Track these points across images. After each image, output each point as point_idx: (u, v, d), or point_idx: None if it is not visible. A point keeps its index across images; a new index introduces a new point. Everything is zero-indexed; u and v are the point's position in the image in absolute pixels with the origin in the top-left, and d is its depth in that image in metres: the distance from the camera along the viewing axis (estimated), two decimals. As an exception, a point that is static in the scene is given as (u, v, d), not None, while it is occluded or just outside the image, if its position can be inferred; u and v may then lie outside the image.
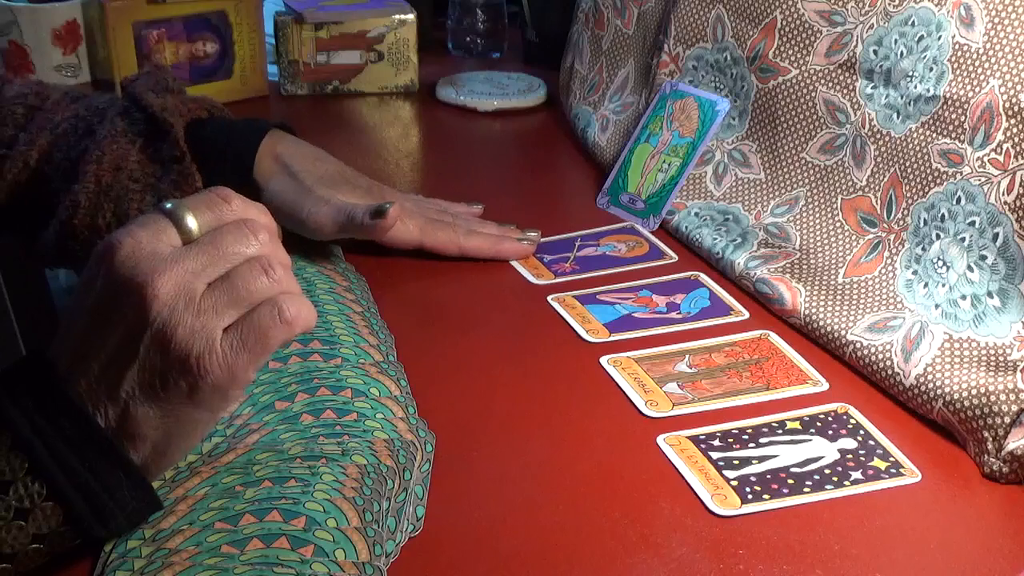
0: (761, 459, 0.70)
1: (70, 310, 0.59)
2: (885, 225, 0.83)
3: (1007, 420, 0.69)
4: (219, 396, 0.57)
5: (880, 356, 0.77)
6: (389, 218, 0.88)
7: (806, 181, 0.91)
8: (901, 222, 0.82)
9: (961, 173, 0.77)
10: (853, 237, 0.85)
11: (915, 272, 0.79)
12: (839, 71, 0.89)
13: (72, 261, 0.87)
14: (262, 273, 0.58)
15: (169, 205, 0.58)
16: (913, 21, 0.83)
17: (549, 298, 0.89)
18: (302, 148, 0.92)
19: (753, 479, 0.68)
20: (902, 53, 0.83)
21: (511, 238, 0.95)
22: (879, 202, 0.84)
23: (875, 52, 0.86)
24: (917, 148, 0.81)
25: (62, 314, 0.60)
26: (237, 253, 0.58)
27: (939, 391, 0.72)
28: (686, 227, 0.97)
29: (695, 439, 0.72)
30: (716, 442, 0.72)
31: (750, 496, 0.67)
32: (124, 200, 0.84)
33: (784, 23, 0.93)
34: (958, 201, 0.77)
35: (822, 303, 0.83)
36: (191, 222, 0.58)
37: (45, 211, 0.86)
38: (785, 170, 0.93)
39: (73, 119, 0.88)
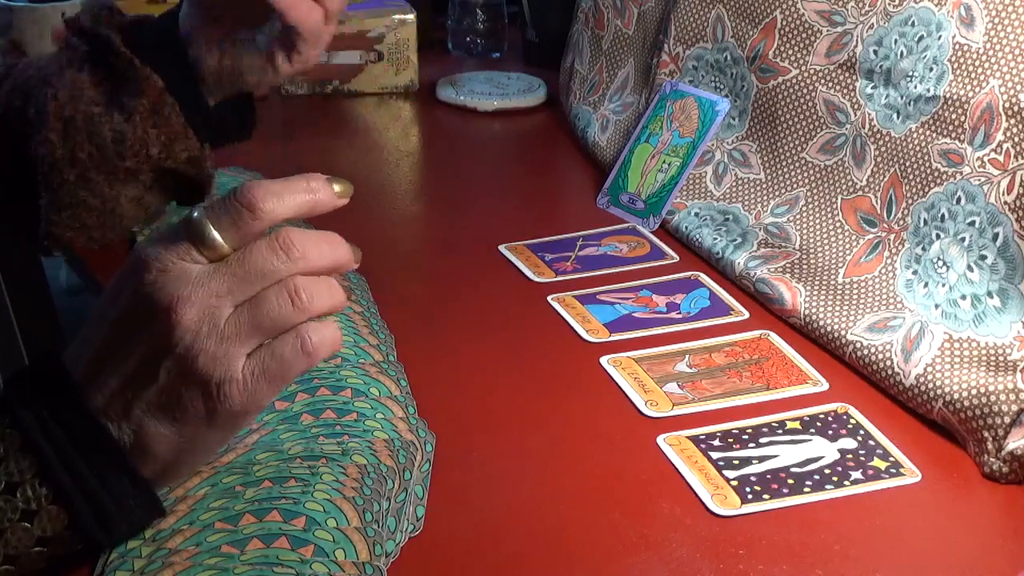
0: (761, 459, 0.70)
1: (93, 317, 0.58)
2: (885, 225, 0.83)
3: (1007, 420, 0.69)
4: (235, 421, 0.57)
5: (880, 356, 0.77)
6: None
7: (806, 181, 0.91)
8: (901, 222, 0.82)
9: (961, 173, 0.77)
10: (853, 237, 0.85)
11: (915, 272, 0.79)
12: (839, 71, 0.89)
13: (70, 211, 0.82)
14: (288, 300, 0.56)
15: (196, 214, 0.56)
16: (913, 21, 0.83)
17: (549, 298, 0.89)
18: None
19: (753, 479, 0.68)
20: (902, 53, 0.83)
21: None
22: (879, 202, 0.84)
23: (875, 52, 0.86)
24: (917, 148, 0.81)
25: (63, 316, 0.59)
26: (266, 274, 0.56)
27: (939, 391, 0.72)
28: (686, 227, 0.97)
29: (695, 439, 0.72)
30: (716, 442, 0.72)
31: (750, 496, 0.67)
32: (94, 125, 0.80)
33: (784, 23, 0.93)
34: (958, 201, 0.77)
35: (822, 303, 0.83)
36: (216, 236, 0.56)
37: (18, 169, 0.83)
38: (785, 170, 0.93)
39: (38, 70, 0.84)
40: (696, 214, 0.97)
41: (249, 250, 0.56)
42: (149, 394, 0.56)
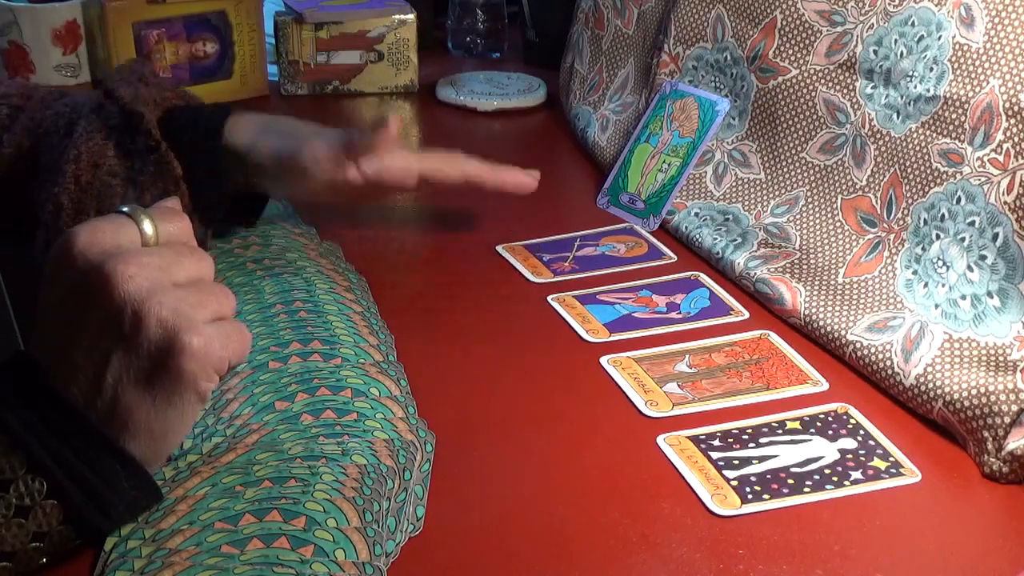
0: (761, 459, 0.70)
1: (40, 305, 0.59)
2: (885, 225, 0.83)
3: (1007, 420, 0.69)
4: (204, 373, 0.57)
5: (880, 356, 0.77)
6: (392, 125, 0.86)
7: (806, 181, 0.91)
8: (901, 222, 0.82)
9: (961, 173, 0.77)
10: (853, 237, 0.85)
11: (915, 272, 0.79)
12: (839, 71, 0.89)
13: None
14: (211, 294, 0.59)
15: (126, 209, 0.59)
16: (913, 21, 0.83)
17: (549, 298, 0.89)
18: (274, 114, 0.92)
19: (753, 479, 0.68)
20: (902, 53, 0.83)
21: (511, 168, 0.95)
22: (879, 202, 0.84)
23: (875, 52, 0.86)
24: (917, 148, 0.81)
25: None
26: (191, 269, 0.59)
27: (939, 391, 0.72)
28: (686, 227, 0.97)
29: (695, 439, 0.72)
30: (716, 442, 0.72)
31: (750, 496, 0.67)
32: (106, 196, 0.83)
33: (784, 23, 0.93)
34: (958, 201, 0.77)
35: (822, 303, 0.83)
36: (148, 227, 0.59)
37: (32, 215, 0.85)
38: (785, 170, 0.93)
39: (55, 117, 0.87)
40: (696, 214, 0.97)
41: (180, 245, 0.60)
42: (115, 358, 0.56)
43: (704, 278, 0.92)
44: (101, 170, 0.83)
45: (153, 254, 0.58)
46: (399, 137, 0.87)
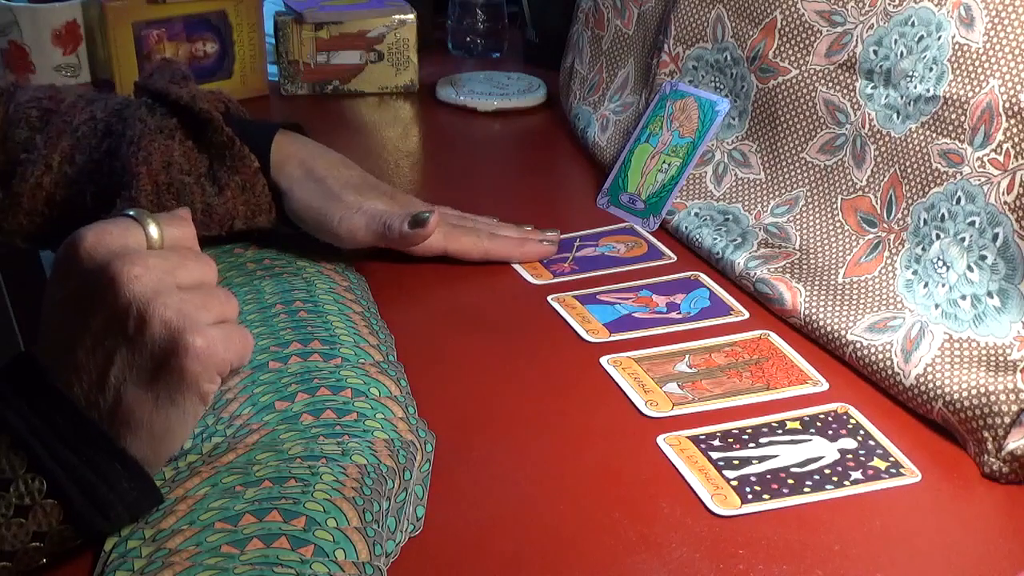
0: (761, 459, 0.70)
1: (45, 304, 0.59)
2: (885, 225, 0.83)
3: (1007, 420, 0.69)
4: (206, 374, 0.58)
5: (880, 356, 0.77)
6: (429, 227, 0.87)
7: (806, 181, 0.91)
8: (901, 222, 0.82)
9: (961, 173, 0.77)
10: (853, 237, 0.85)
11: (915, 272, 0.79)
12: (839, 71, 0.89)
13: None
14: (214, 297, 0.60)
15: (132, 212, 0.60)
16: (913, 21, 0.83)
17: (549, 298, 0.89)
18: (326, 154, 0.92)
19: (753, 479, 0.68)
20: (902, 53, 0.83)
21: (533, 239, 0.95)
22: (879, 202, 0.84)
23: (875, 52, 0.86)
24: (917, 148, 0.81)
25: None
26: (195, 273, 0.60)
27: (939, 391, 0.72)
28: (686, 227, 0.97)
29: (695, 439, 0.72)
30: (716, 442, 0.72)
31: (750, 496, 0.67)
32: (184, 193, 0.84)
33: (784, 23, 0.93)
34: (958, 201, 0.77)
35: (822, 303, 0.83)
36: (154, 230, 0.60)
37: (74, 214, 0.85)
38: (785, 170, 0.93)
39: (91, 121, 0.88)
40: (696, 214, 0.97)
41: (185, 249, 0.61)
42: (119, 357, 0.57)
43: (704, 278, 0.92)
44: (173, 168, 0.84)
45: (159, 256, 0.58)
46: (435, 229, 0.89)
